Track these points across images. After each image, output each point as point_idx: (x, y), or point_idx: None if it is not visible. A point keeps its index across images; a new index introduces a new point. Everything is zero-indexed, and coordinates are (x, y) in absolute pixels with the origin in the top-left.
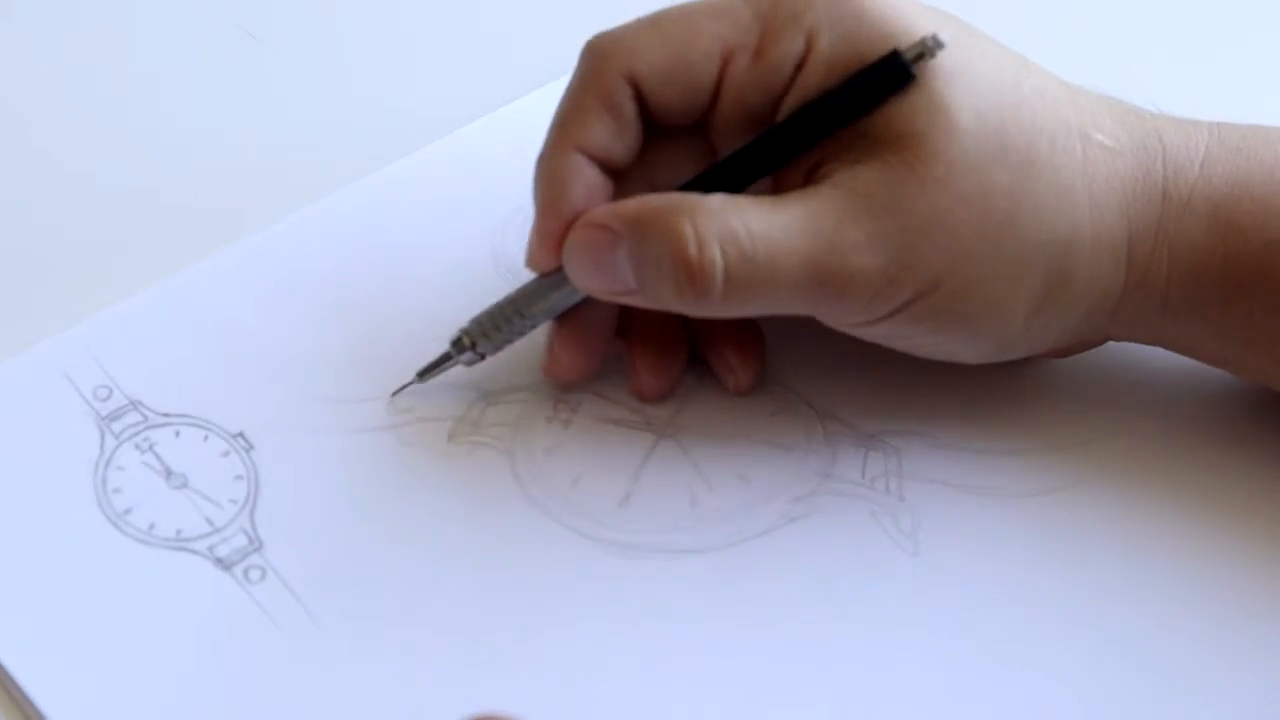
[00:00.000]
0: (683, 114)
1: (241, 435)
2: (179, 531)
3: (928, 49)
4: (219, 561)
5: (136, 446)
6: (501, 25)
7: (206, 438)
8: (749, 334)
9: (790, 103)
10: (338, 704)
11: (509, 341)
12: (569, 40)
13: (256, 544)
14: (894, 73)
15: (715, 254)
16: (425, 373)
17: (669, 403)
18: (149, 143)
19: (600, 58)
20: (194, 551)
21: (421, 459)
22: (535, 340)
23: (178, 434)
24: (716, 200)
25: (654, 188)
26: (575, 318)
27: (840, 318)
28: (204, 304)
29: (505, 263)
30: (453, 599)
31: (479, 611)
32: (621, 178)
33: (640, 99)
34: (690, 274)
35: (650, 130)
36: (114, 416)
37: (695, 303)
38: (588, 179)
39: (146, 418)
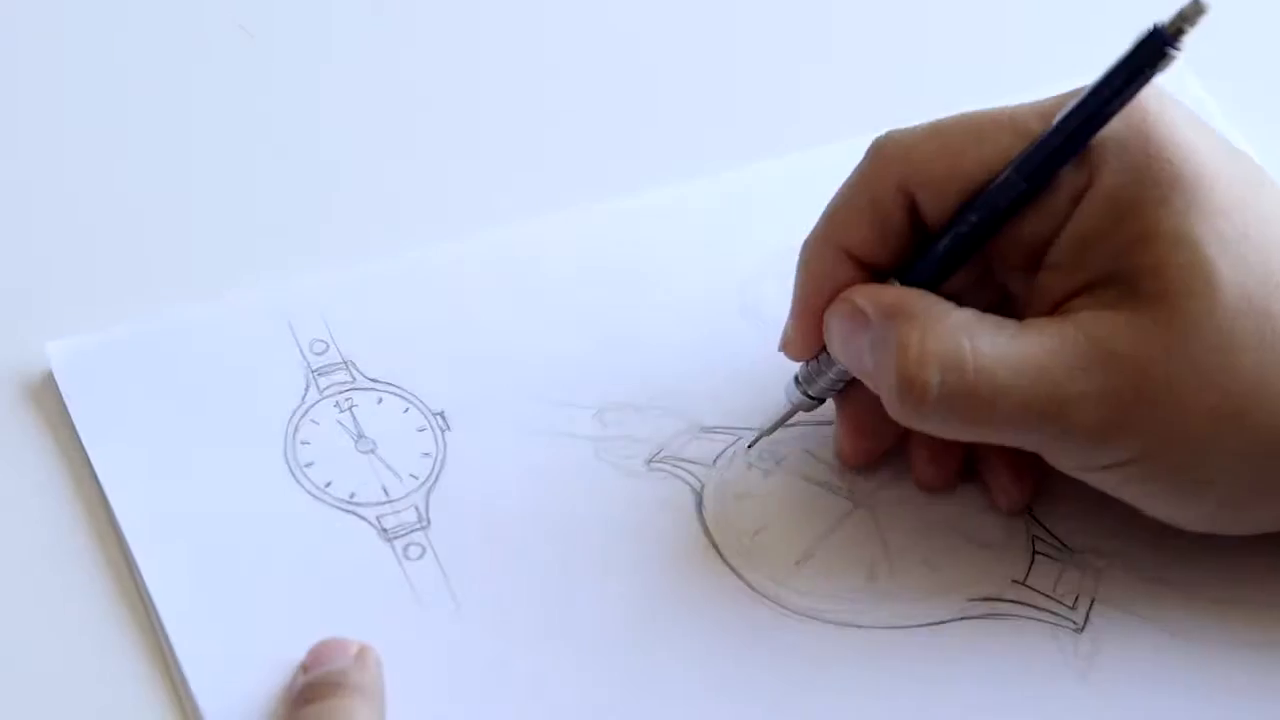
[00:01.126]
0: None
1: (442, 415)
2: (353, 494)
3: (1186, 18)
4: (384, 532)
5: (337, 405)
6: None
7: (407, 410)
8: (1025, 452)
9: (1067, 236)
10: (460, 689)
11: (836, 386)
12: (861, 100)
13: (424, 523)
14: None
15: (932, 376)
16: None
17: (877, 475)
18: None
19: (880, 163)
20: (362, 517)
21: (611, 476)
22: (756, 381)
23: (380, 401)
24: (960, 316)
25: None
26: (858, 401)
27: (1054, 460)
28: (441, 286)
29: (752, 307)
30: (596, 615)
31: (618, 634)
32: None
33: (914, 207)
34: (903, 388)
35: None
36: (324, 371)
37: (903, 416)
38: (847, 278)
39: (355, 379)
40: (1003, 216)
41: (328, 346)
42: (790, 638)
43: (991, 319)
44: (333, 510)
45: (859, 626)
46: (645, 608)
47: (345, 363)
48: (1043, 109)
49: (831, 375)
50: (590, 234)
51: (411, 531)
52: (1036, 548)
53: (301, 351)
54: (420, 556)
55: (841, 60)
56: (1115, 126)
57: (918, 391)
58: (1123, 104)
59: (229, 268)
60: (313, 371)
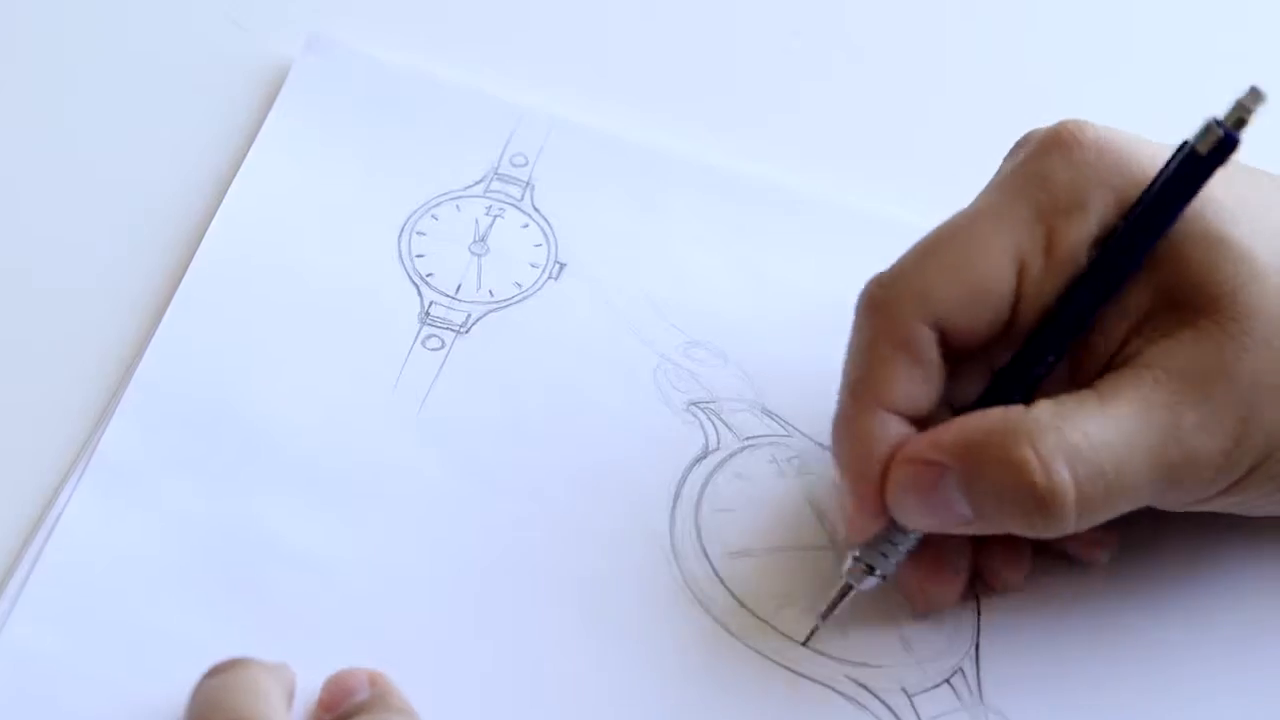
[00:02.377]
0: (985, 338)
1: (562, 265)
2: (430, 275)
3: (1245, 108)
4: (424, 314)
5: (489, 208)
6: None
7: (539, 245)
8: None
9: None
10: (388, 485)
11: (903, 560)
12: None
13: (462, 331)
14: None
15: (1065, 476)
16: (827, 613)
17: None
18: None
19: (891, 310)
20: (420, 293)
21: (646, 397)
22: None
23: (525, 226)
24: (1045, 414)
25: (950, 401)
26: (930, 548)
27: (1179, 501)
28: (676, 184)
29: None
30: (545, 485)
31: (543, 515)
32: None
33: (941, 338)
34: (1041, 502)
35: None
36: (505, 179)
37: (1046, 528)
38: (899, 436)
39: (522, 199)
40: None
41: (527, 163)
42: (673, 613)
43: (1072, 401)
44: (402, 274)
45: (735, 637)
46: (575, 514)
47: (527, 184)
48: (1017, 188)
49: (903, 549)
50: (832, 219)
51: (445, 329)
52: (952, 679)
53: (504, 152)
54: (435, 349)
55: None
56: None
57: (1058, 500)
58: (1188, 201)
59: (504, 59)
60: (496, 173)
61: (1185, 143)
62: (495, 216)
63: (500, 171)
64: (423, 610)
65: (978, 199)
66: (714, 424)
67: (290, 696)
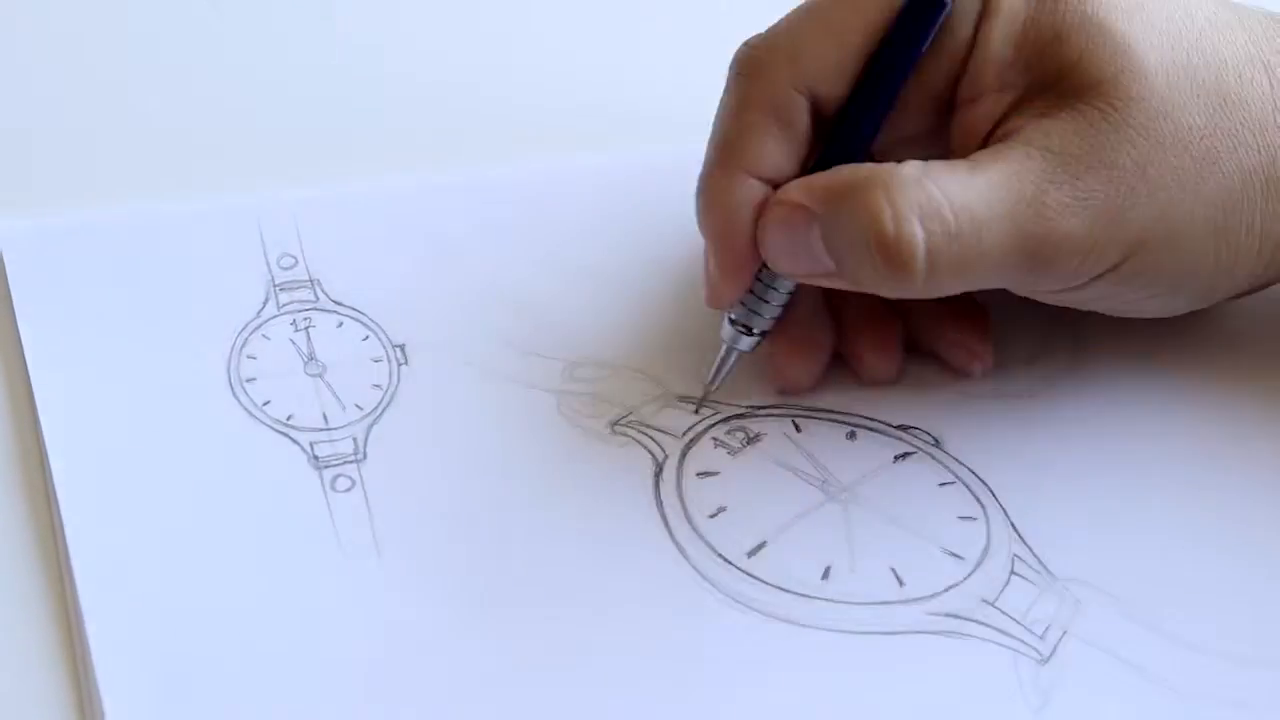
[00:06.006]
0: None
1: (402, 348)
2: (290, 416)
3: None
4: (315, 459)
5: (294, 323)
6: None
7: (366, 338)
8: (973, 310)
9: (978, 63)
10: (362, 637)
11: (777, 315)
12: None
13: (360, 456)
14: None
15: (915, 230)
16: (713, 381)
17: (858, 468)
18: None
19: (763, 71)
20: (295, 440)
21: (570, 434)
22: (748, 358)
23: (340, 325)
24: (911, 169)
25: None
26: (793, 323)
27: (1041, 286)
28: (429, 217)
29: None
30: (525, 581)
31: (546, 603)
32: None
33: (814, 103)
34: (888, 254)
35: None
36: (287, 287)
37: (895, 284)
38: (760, 200)
39: (318, 299)
40: (921, 45)
41: (296, 262)
42: (727, 627)
43: (939, 162)
44: (265, 430)
45: (799, 625)
46: (580, 580)
47: (311, 281)
48: None
49: (773, 305)
50: (599, 182)
51: (344, 463)
52: (1015, 568)
53: (268, 263)
54: (348, 489)
55: None
56: None
57: (905, 252)
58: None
59: (211, 172)
60: (275, 286)
61: None
62: (306, 329)
63: (279, 282)
64: None
65: None
66: (646, 434)
67: None
